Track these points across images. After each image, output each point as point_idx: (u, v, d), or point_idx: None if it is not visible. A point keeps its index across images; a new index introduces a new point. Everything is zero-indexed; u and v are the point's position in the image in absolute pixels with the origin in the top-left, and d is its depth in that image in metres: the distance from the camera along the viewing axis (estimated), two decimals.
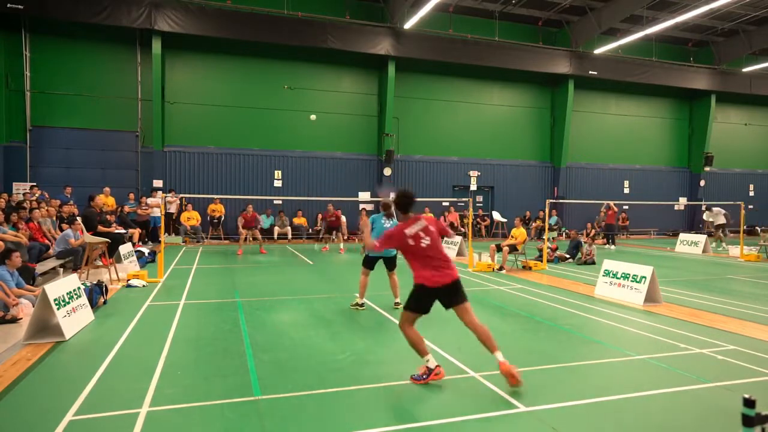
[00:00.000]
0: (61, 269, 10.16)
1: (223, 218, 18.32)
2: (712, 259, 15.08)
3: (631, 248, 18.25)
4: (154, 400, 4.10)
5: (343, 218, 17.56)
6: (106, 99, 17.70)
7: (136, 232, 14.57)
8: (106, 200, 14.93)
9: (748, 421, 2.19)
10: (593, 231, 17.58)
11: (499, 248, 12.22)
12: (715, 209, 19.23)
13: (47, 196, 14.15)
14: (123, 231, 12.83)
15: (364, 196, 19.29)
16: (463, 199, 20.92)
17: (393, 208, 4.75)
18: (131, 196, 16.80)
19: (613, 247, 17.82)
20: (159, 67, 17.36)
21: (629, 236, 23.22)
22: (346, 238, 16.91)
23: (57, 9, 16.23)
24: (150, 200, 16.72)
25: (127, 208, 15.90)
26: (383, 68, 20.02)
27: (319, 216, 19.14)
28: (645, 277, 8.15)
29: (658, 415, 3.95)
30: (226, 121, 18.98)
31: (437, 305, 4.62)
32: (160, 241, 10.91)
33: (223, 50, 18.72)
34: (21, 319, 6.50)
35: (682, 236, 18.06)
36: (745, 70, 23.86)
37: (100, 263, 10.51)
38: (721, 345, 5.83)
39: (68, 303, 6.06)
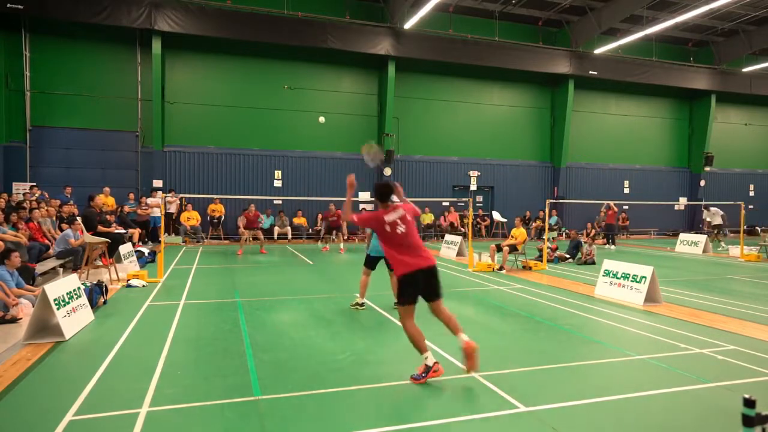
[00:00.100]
0: (61, 269, 10.16)
1: (223, 218, 18.33)
2: (712, 259, 15.08)
3: (631, 248, 18.25)
4: (154, 400, 4.09)
5: None
6: (106, 99, 17.70)
7: (136, 232, 14.56)
8: (105, 200, 14.93)
9: (748, 421, 2.19)
10: (593, 231, 17.58)
11: (499, 248, 12.22)
12: (712, 209, 19.28)
13: (47, 196, 14.14)
14: (123, 231, 12.84)
15: (364, 196, 19.28)
16: (463, 199, 20.93)
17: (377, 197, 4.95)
18: (131, 196, 16.80)
19: (613, 247, 17.82)
20: (159, 67, 17.36)
21: (629, 236, 23.22)
22: (346, 238, 16.91)
23: (57, 9, 16.24)
24: (150, 200, 16.72)
25: (127, 208, 15.91)
26: (383, 68, 20.03)
27: (320, 216, 19.14)
28: (645, 277, 8.15)
29: (658, 415, 3.95)
30: (226, 121, 18.98)
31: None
32: (160, 241, 10.91)
33: (223, 50, 18.72)
34: (21, 319, 6.50)
35: (682, 236, 18.06)
36: (745, 70, 23.86)
37: (100, 263, 10.51)
38: (721, 345, 5.83)
39: (68, 303, 6.06)
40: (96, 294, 7.37)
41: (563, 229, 21.09)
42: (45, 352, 5.31)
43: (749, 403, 2.19)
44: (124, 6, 16.66)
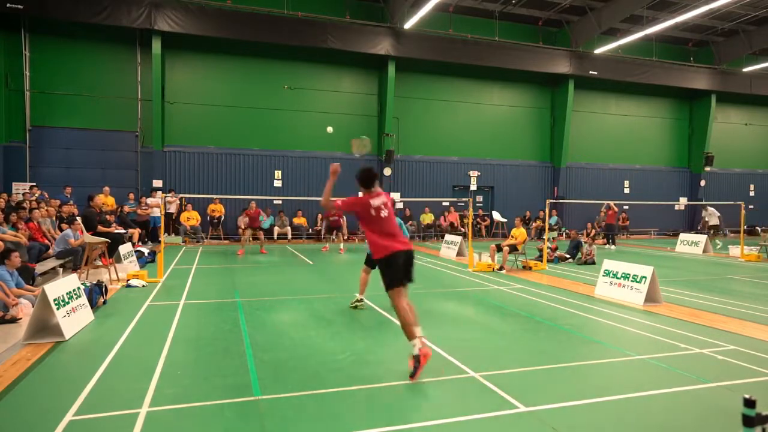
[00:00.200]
0: (61, 269, 10.15)
1: (222, 218, 18.33)
2: (713, 259, 15.08)
3: (632, 248, 18.25)
4: (154, 400, 4.09)
5: (344, 218, 17.55)
6: (106, 99, 17.70)
7: (135, 232, 14.56)
8: (105, 200, 14.93)
9: (748, 421, 2.19)
10: (593, 231, 17.57)
11: (499, 248, 12.22)
12: (710, 209, 19.30)
13: (47, 196, 14.14)
14: (123, 231, 12.84)
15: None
16: (463, 199, 20.92)
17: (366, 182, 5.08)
18: (131, 196, 16.80)
19: (613, 247, 17.82)
20: (159, 67, 17.36)
21: (629, 236, 23.22)
22: (346, 238, 16.91)
23: (57, 9, 16.24)
24: (150, 200, 16.72)
25: (126, 208, 15.91)
26: (383, 68, 20.03)
27: (320, 215, 19.14)
28: (645, 277, 8.15)
29: (658, 415, 3.95)
30: (226, 121, 18.98)
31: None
32: (159, 241, 10.91)
33: (223, 50, 18.72)
34: (21, 319, 6.50)
35: (683, 236, 18.06)
36: (745, 70, 23.86)
37: (100, 263, 10.50)
38: (722, 345, 5.83)
39: (68, 303, 6.06)
40: (96, 294, 7.37)
41: (563, 229, 21.09)
42: (45, 352, 5.31)
43: (749, 403, 2.19)
44: (124, 6, 16.66)
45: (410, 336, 4.64)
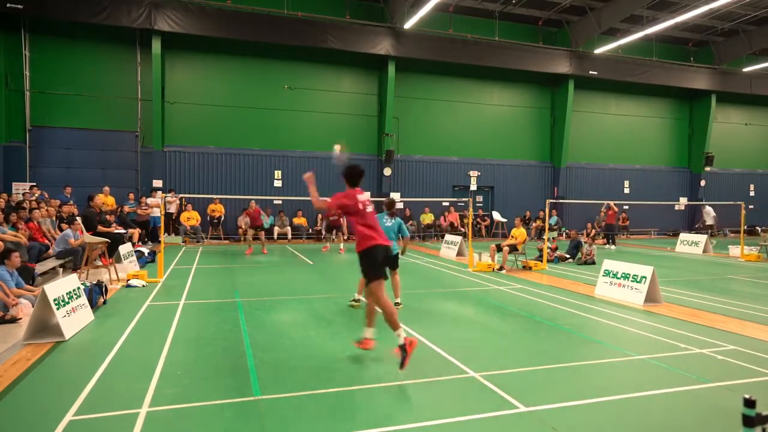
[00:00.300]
0: (61, 269, 10.15)
1: (222, 218, 18.33)
2: (713, 259, 15.08)
3: (632, 248, 18.25)
4: (154, 400, 4.09)
5: (344, 218, 17.56)
6: (106, 99, 17.70)
7: (135, 232, 14.56)
8: (105, 200, 14.93)
9: (748, 421, 2.19)
10: (593, 231, 17.57)
11: (499, 248, 12.22)
12: (707, 208, 19.32)
13: (47, 196, 14.14)
14: (123, 231, 12.83)
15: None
16: (463, 199, 20.91)
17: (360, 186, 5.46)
18: (131, 196, 16.80)
19: (613, 247, 17.81)
20: (159, 67, 17.36)
21: (629, 236, 23.22)
22: (346, 237, 16.91)
23: (57, 9, 16.23)
24: (150, 200, 16.71)
25: (126, 208, 15.90)
26: (383, 68, 20.02)
27: (320, 215, 19.13)
28: (645, 277, 8.15)
29: (658, 415, 3.95)
30: (226, 121, 18.98)
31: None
32: (159, 241, 10.91)
33: (223, 50, 18.71)
34: (21, 319, 6.50)
35: (683, 236, 18.06)
36: (745, 70, 23.86)
37: (100, 263, 10.50)
38: (721, 345, 5.83)
39: (68, 303, 6.06)
40: (96, 294, 7.37)
41: (563, 229, 21.09)
42: (45, 352, 5.31)
43: (749, 403, 2.19)
44: (124, 6, 16.65)
45: (394, 327, 4.77)
